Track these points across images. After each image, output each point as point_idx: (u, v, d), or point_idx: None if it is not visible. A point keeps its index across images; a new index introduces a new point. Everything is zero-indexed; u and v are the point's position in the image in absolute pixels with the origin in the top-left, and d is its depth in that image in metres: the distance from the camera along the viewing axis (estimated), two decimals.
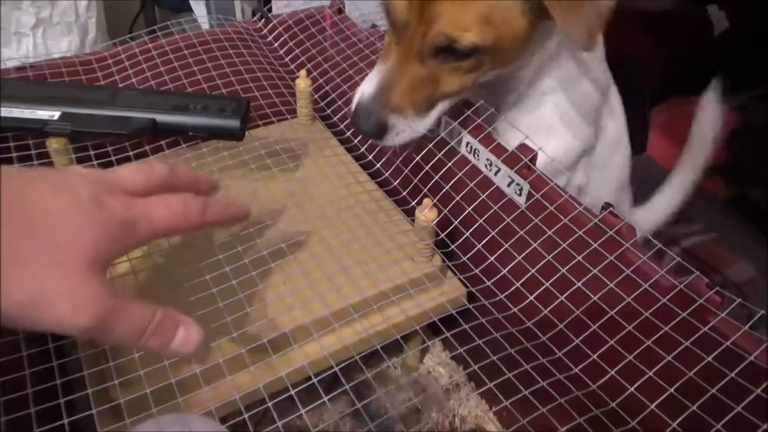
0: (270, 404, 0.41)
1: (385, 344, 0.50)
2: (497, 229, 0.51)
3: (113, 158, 0.58)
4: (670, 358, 0.39)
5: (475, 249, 0.51)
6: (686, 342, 0.38)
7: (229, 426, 0.45)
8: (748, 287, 0.94)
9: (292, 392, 0.43)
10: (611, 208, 0.43)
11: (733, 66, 1.70)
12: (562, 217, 0.46)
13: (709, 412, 0.36)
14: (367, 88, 0.49)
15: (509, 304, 0.50)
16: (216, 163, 0.62)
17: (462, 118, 0.53)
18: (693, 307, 0.38)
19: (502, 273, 0.50)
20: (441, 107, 0.51)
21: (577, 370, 0.43)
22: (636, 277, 0.41)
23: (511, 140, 0.50)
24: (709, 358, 0.37)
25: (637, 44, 1.64)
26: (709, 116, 0.75)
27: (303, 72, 0.68)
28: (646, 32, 1.69)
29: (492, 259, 0.51)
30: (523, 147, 0.49)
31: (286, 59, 0.73)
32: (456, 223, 0.52)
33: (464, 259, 0.54)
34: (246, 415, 0.40)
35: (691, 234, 1.03)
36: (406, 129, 0.50)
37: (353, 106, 0.50)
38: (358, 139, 0.63)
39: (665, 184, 0.84)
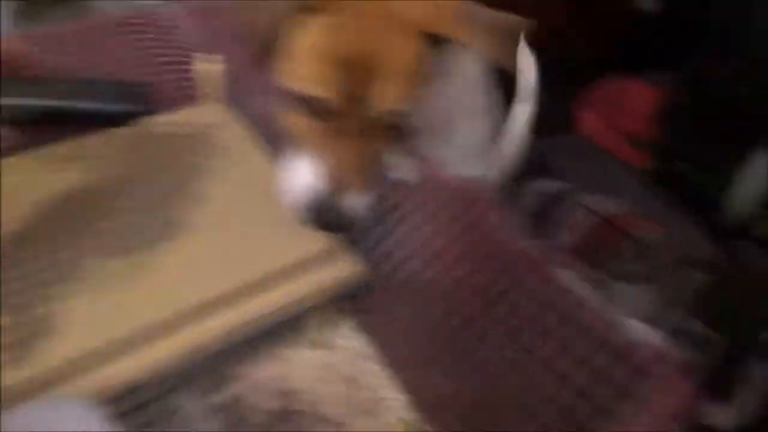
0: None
1: (288, 321, 0.52)
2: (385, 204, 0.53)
3: None
4: None
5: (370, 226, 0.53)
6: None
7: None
8: (654, 249, 0.99)
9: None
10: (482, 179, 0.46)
11: (660, 44, 1.76)
12: (441, 196, 0.48)
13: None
14: (314, 183, 0.47)
15: (402, 276, 0.52)
16: (116, 150, 0.62)
17: None
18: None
19: (393, 246, 0.52)
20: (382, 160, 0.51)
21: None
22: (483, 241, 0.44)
23: None
24: None
25: (566, 22, 1.67)
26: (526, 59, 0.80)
27: (203, 55, 0.69)
28: (577, 10, 1.73)
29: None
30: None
31: (188, 43, 0.73)
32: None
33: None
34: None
35: (608, 204, 1.08)
36: (368, 202, 0.49)
37: (301, 202, 0.48)
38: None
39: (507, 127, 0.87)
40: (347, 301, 0.53)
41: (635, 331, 0.39)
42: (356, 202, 0.47)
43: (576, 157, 1.40)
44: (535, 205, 1.11)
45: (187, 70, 0.71)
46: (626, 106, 1.67)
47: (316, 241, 0.58)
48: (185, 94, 0.68)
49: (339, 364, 0.67)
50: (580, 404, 0.36)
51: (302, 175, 0.48)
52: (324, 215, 0.47)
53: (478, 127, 0.73)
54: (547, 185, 1.17)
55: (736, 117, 1.63)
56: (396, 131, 0.48)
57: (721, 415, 1.11)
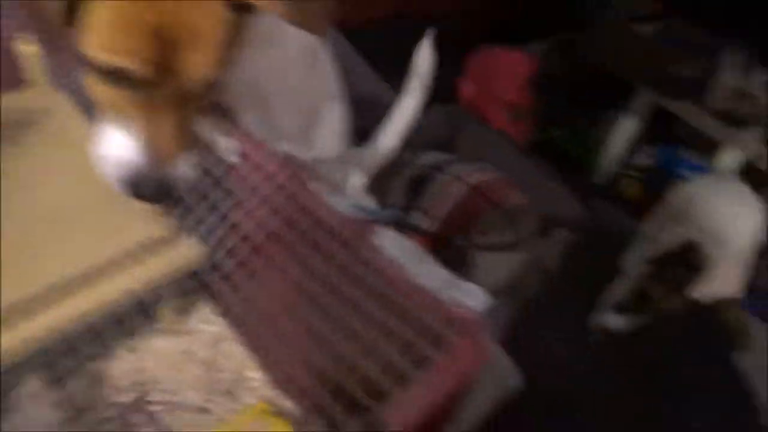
0: None
1: (135, 309, 0.50)
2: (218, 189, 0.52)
3: None
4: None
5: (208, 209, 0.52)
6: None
7: None
8: (518, 215, 1.04)
9: None
10: (294, 157, 0.46)
11: (534, 16, 1.83)
12: (256, 171, 0.48)
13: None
14: (131, 155, 0.46)
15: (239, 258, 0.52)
16: None
17: None
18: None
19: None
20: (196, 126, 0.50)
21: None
22: (314, 220, 0.45)
23: None
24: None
25: None
26: (424, 57, 0.84)
27: (25, 36, 0.64)
28: None
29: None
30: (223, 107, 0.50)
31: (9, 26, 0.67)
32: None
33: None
34: None
35: (476, 172, 1.12)
36: (189, 171, 0.48)
37: (116, 178, 0.47)
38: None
39: (388, 122, 0.89)
40: (199, 286, 0.52)
41: (462, 294, 0.41)
42: (174, 172, 0.46)
43: (454, 128, 1.44)
44: (414, 177, 1.13)
45: (8, 53, 0.65)
46: (502, 76, 1.73)
47: (154, 225, 0.56)
48: (10, 78, 0.63)
49: (196, 348, 0.66)
50: (402, 359, 0.38)
51: (117, 147, 0.46)
52: (142, 186, 0.46)
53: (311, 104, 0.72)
54: (429, 157, 1.19)
55: (601, 84, 1.75)
56: (211, 100, 0.47)
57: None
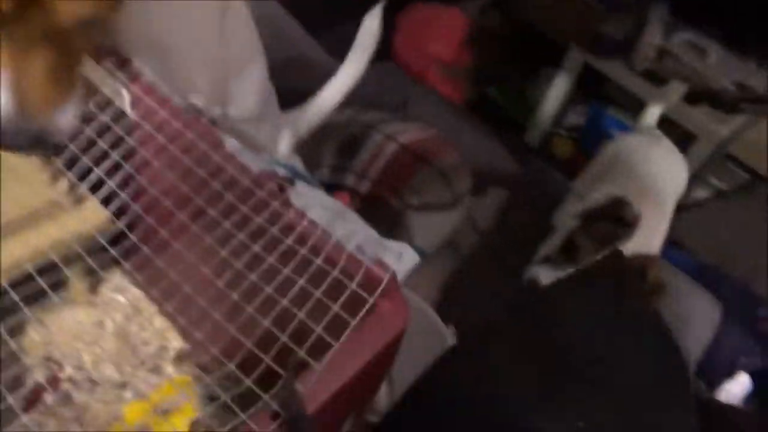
0: None
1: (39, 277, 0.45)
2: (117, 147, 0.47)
3: None
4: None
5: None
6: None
7: None
8: (453, 172, 1.03)
9: None
10: (195, 107, 0.42)
11: None
12: (148, 123, 0.43)
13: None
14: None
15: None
16: None
17: None
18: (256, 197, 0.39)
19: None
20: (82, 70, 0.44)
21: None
22: (214, 175, 0.41)
23: None
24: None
25: None
26: (371, 25, 0.83)
27: None
28: None
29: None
30: (110, 50, 0.45)
31: None
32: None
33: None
34: None
35: (409, 130, 1.10)
36: (67, 119, 0.43)
37: None
38: None
39: (326, 85, 0.88)
40: (108, 253, 0.48)
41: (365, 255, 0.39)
42: (48, 121, 0.41)
43: (388, 86, 1.41)
44: (348, 137, 1.10)
45: None
46: (437, 33, 1.70)
47: (52, 188, 0.51)
48: None
49: (110, 320, 0.62)
50: (320, 324, 0.35)
51: None
52: (10, 135, 0.41)
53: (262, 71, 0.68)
54: (363, 116, 1.16)
55: (534, 42, 1.75)
56: (100, 44, 0.42)
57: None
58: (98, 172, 0.47)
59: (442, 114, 1.46)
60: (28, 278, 0.48)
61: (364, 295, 0.33)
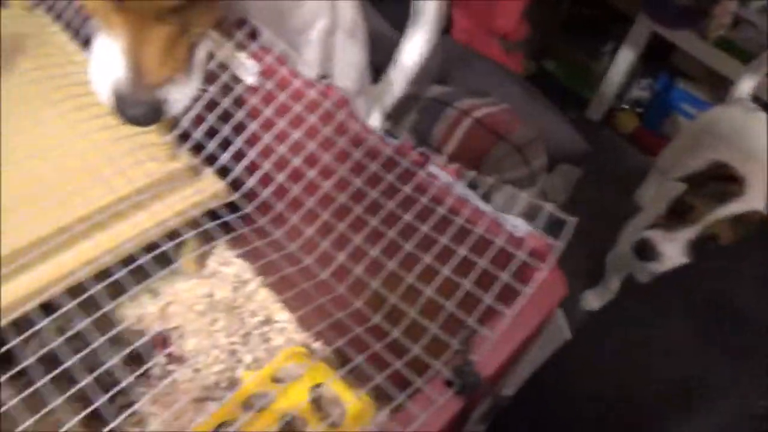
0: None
1: (155, 249, 0.46)
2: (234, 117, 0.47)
3: None
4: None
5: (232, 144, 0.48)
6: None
7: None
8: (528, 148, 1.02)
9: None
10: (328, 80, 0.42)
11: None
12: (283, 94, 0.44)
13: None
14: (116, 71, 0.41)
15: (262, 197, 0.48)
16: None
17: None
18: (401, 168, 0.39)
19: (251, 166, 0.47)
20: (203, 49, 0.45)
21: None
22: (353, 144, 0.41)
23: None
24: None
25: None
26: None
27: None
28: None
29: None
30: (240, 22, 0.45)
31: None
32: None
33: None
34: None
35: (482, 106, 1.08)
36: (182, 94, 0.43)
37: (105, 94, 0.42)
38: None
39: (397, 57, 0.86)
40: (219, 225, 0.49)
41: (515, 228, 0.38)
42: (162, 93, 0.42)
43: (451, 60, 1.39)
44: (421, 112, 1.10)
45: None
46: (497, 7, 1.66)
47: (172, 160, 0.52)
48: None
49: (219, 292, 0.63)
50: (466, 306, 0.35)
51: (106, 64, 0.41)
52: (127, 106, 0.42)
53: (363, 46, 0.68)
54: (434, 91, 1.15)
55: (598, 14, 1.70)
56: (209, 16, 0.42)
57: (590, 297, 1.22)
58: (236, 144, 0.48)
59: (508, 88, 1.43)
60: (150, 248, 0.49)
61: (534, 264, 0.33)
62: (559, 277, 0.35)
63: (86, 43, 0.58)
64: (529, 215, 0.41)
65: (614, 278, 1.17)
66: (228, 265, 0.65)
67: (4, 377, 0.37)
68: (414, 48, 0.91)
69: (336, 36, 0.62)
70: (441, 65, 1.32)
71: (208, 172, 0.55)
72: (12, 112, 0.52)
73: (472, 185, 0.42)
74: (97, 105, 0.53)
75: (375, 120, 0.73)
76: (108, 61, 0.40)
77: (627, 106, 1.70)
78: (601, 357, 0.47)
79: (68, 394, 0.38)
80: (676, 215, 0.93)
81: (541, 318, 0.33)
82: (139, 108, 0.41)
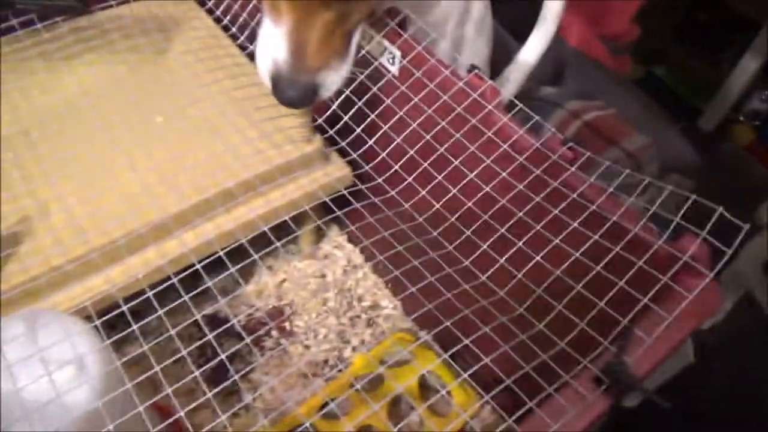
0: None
1: (276, 228, 0.49)
2: (370, 104, 0.49)
3: None
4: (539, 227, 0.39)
5: (356, 131, 0.49)
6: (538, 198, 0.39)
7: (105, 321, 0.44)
8: (641, 153, 0.98)
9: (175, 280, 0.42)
10: (477, 71, 0.42)
11: None
12: (428, 83, 0.44)
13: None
14: (278, 54, 0.43)
15: (390, 185, 0.49)
16: (75, 44, 0.56)
17: None
18: (548, 163, 0.38)
19: (383, 153, 0.48)
20: (357, 36, 0.46)
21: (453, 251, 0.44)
22: (498, 139, 0.41)
23: None
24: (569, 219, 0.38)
25: None
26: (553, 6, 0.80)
27: None
28: None
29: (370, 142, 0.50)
30: (390, 11, 0.46)
31: None
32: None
33: (343, 143, 0.52)
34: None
35: (591, 109, 1.05)
36: (335, 79, 0.45)
37: (266, 76, 0.45)
38: (230, 17, 0.58)
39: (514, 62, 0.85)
40: (337, 209, 0.50)
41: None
42: (318, 78, 0.44)
43: (563, 62, 1.35)
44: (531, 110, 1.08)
45: None
46: (609, 5, 1.60)
47: (305, 143, 0.54)
48: None
49: (330, 274, 0.65)
50: (617, 305, 0.34)
51: (270, 47, 0.43)
52: (283, 88, 0.44)
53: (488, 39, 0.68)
54: (545, 91, 1.13)
55: (719, 20, 1.60)
56: (368, 3, 0.44)
57: None
58: (356, 132, 0.49)
59: (616, 92, 1.38)
60: (276, 226, 0.51)
61: (700, 268, 0.32)
62: (715, 287, 0.33)
63: (226, 29, 0.62)
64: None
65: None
66: (341, 248, 0.67)
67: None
68: (535, 47, 0.90)
69: (465, 29, 0.62)
70: (554, 66, 1.29)
71: (337, 157, 0.56)
72: (166, 93, 0.56)
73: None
74: (242, 89, 0.57)
75: None
76: (271, 44, 0.42)
77: (743, 118, 1.60)
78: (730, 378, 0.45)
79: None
80: None
81: (694, 326, 0.32)
82: (296, 90, 0.43)
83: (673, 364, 0.48)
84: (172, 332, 0.38)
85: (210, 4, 0.63)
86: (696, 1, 1.65)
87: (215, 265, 0.44)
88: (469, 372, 0.37)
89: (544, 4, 0.88)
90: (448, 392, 0.53)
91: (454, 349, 0.37)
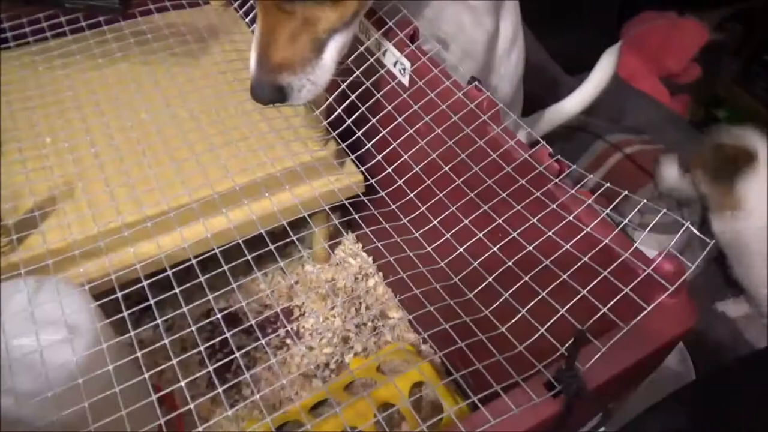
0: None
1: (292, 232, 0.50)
2: (382, 114, 0.50)
3: None
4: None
5: (373, 137, 0.51)
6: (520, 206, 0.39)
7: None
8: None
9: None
10: (477, 83, 0.43)
11: None
12: (429, 92, 0.45)
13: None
14: (252, 53, 0.47)
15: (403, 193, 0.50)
16: (120, 49, 0.61)
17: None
18: (533, 174, 0.39)
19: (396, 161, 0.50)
20: (334, 45, 0.47)
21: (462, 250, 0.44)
22: (489, 148, 0.42)
23: None
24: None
25: None
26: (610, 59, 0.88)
27: None
28: None
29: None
30: (402, 23, 0.48)
31: None
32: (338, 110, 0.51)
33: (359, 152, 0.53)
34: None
35: (635, 142, 1.03)
36: (304, 83, 0.47)
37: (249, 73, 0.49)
38: None
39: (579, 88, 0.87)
40: (349, 216, 0.52)
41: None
42: (284, 78, 0.46)
43: (614, 96, 1.34)
44: (569, 140, 1.08)
45: None
46: (669, 44, 1.57)
47: (320, 148, 0.56)
48: None
49: (341, 280, 0.66)
50: (580, 315, 0.34)
51: (252, 50, 0.47)
52: (257, 87, 0.47)
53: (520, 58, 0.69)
54: (584, 121, 1.12)
55: None
56: (335, 15, 0.46)
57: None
58: (376, 138, 0.51)
59: (667, 129, 1.35)
60: (279, 227, 0.52)
61: (665, 284, 0.31)
62: (689, 306, 0.32)
63: None
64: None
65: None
66: (354, 257, 0.68)
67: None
68: (581, 99, 0.92)
69: (497, 47, 0.64)
70: (616, 104, 1.29)
71: (350, 162, 0.58)
72: (197, 93, 0.59)
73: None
74: None
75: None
76: (252, 45, 0.47)
77: None
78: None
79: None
80: None
81: (661, 344, 0.31)
82: (261, 87, 0.47)
83: (665, 383, 0.46)
84: (185, 309, 0.39)
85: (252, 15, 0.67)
86: (762, 43, 1.59)
87: (230, 260, 0.46)
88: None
89: (601, 58, 0.89)
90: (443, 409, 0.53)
91: (459, 374, 0.36)
